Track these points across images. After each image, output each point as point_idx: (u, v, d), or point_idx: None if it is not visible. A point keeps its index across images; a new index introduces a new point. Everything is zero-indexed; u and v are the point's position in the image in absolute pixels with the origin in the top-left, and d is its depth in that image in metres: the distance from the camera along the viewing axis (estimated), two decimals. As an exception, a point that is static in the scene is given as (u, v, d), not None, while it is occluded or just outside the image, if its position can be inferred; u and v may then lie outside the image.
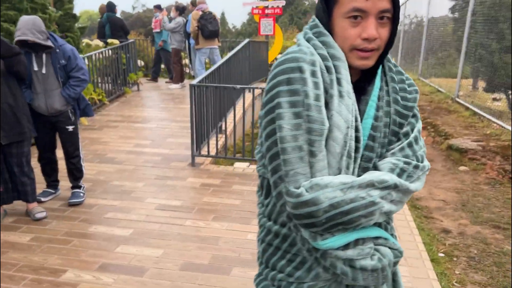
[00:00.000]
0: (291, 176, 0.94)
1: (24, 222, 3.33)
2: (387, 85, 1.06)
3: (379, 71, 1.06)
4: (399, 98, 1.05)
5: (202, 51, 7.85)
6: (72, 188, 3.74)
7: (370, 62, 1.00)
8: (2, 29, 5.44)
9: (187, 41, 8.75)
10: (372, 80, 1.05)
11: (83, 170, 3.76)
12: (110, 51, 7.32)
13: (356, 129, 1.00)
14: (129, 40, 8.47)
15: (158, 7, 9.31)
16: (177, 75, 8.94)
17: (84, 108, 3.70)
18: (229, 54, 6.51)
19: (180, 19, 8.68)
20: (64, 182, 3.85)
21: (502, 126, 5.51)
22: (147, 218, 3.42)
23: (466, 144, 5.16)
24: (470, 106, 6.74)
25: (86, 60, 6.55)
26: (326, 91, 0.96)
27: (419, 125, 1.09)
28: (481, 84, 8.54)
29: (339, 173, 0.98)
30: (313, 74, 0.95)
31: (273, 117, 0.96)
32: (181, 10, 8.84)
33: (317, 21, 1.03)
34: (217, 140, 4.96)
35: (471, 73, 7.80)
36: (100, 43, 7.60)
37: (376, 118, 1.03)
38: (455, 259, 2.96)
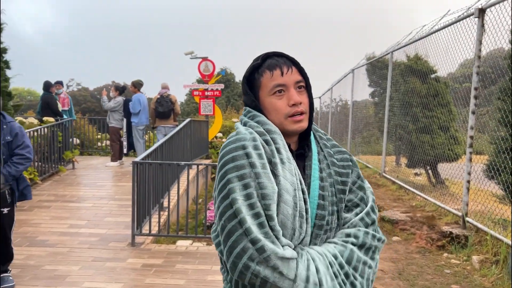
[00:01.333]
0: (256, 242, 0.99)
1: None
2: (322, 150, 1.24)
3: (312, 137, 1.25)
4: (335, 160, 1.22)
5: (158, 129, 8.49)
6: (0, 273, 3.40)
7: (304, 124, 1.17)
8: None
9: (125, 120, 8.79)
10: (309, 145, 1.22)
11: (13, 252, 3.48)
12: (45, 129, 7.13)
13: (303, 192, 1.12)
14: (66, 118, 8.34)
15: (60, 83, 9.27)
16: (115, 153, 8.82)
17: (23, 190, 3.47)
18: (171, 132, 6.66)
19: (119, 99, 8.81)
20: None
21: (426, 199, 6.05)
22: (84, 304, 3.17)
23: (396, 215, 5.55)
24: (396, 181, 7.35)
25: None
26: (269, 161, 1.09)
27: (372, 197, 1.25)
28: (404, 160, 9.41)
29: (293, 233, 1.07)
30: (255, 147, 1.08)
31: (226, 194, 1.04)
32: (121, 90, 9.01)
33: (248, 108, 1.21)
34: (159, 218, 4.87)
35: (394, 150, 8.61)
36: (35, 121, 7.39)
37: (321, 179, 1.17)
38: (397, 327, 3.06)
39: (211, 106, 9.76)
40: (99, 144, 10.86)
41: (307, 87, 1.21)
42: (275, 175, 1.08)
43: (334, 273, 1.08)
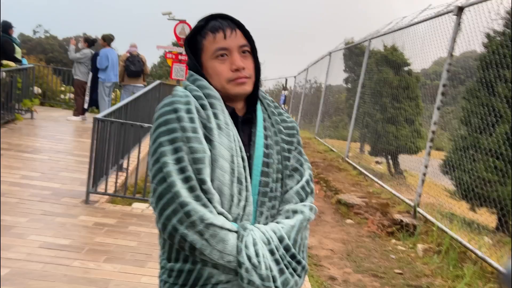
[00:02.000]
0: (184, 205, 0.98)
1: None
2: (270, 118, 1.22)
3: (258, 104, 1.23)
4: (281, 128, 1.22)
5: (126, 88, 8.29)
6: None
7: (247, 87, 1.14)
8: None
9: (91, 74, 8.44)
10: (255, 110, 1.20)
11: None
12: (4, 73, 6.73)
13: (243, 159, 1.11)
14: (27, 64, 7.90)
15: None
16: (79, 108, 8.50)
17: None
18: (139, 93, 6.46)
19: (87, 51, 8.43)
20: None
21: (383, 186, 6.23)
22: (28, 257, 3.08)
23: (352, 199, 5.70)
24: (357, 167, 7.52)
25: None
26: (204, 126, 1.07)
27: (308, 164, 1.26)
28: (367, 148, 9.63)
29: (232, 199, 1.07)
30: (188, 111, 1.06)
31: (157, 157, 1.03)
32: (91, 43, 8.61)
33: (192, 72, 1.18)
34: (116, 178, 4.76)
35: (359, 137, 8.78)
36: (-7, 63, 6.95)
37: (266, 146, 1.16)
38: (339, 304, 3.18)
39: (183, 71, 9.53)
40: (62, 96, 10.42)
41: (253, 52, 1.18)
42: (209, 140, 1.06)
43: (279, 256, 1.07)
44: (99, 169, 4.58)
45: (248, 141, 1.17)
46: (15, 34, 8.14)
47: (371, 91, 8.06)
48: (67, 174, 5.23)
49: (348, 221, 5.27)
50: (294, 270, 1.10)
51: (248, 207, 1.10)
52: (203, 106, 1.09)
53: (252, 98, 1.20)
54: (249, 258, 1.02)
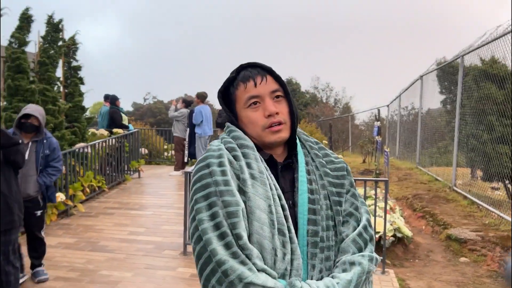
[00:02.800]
0: (221, 264, 0.94)
1: (3, 314, 3.19)
2: (313, 161, 1.16)
3: (299, 147, 1.17)
4: (328, 170, 1.15)
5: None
6: (35, 267, 3.87)
7: (283, 134, 1.12)
8: (11, 119, 5.75)
9: (188, 130, 9.11)
10: (295, 155, 1.15)
11: (45, 249, 3.97)
12: (114, 140, 7.61)
13: (283, 208, 1.04)
14: (133, 129, 8.84)
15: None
16: (179, 163, 9.15)
17: (50, 195, 3.90)
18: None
19: (184, 110, 9.17)
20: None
21: (501, 216, 5.44)
22: (130, 311, 3.27)
23: (465, 234, 5.05)
24: (468, 196, 6.72)
25: (89, 148, 6.79)
26: (238, 178, 1.04)
27: (366, 207, 1.15)
28: (479, 173, 8.61)
29: (275, 253, 0.99)
30: (220, 164, 1.04)
31: (194, 215, 1.02)
32: (188, 103, 9.38)
33: (229, 124, 1.18)
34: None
35: (467, 162, 7.91)
36: (105, 133, 7.93)
37: (311, 191, 1.09)
38: None
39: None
40: (165, 153, 11.36)
41: (286, 96, 1.16)
42: (244, 192, 1.02)
43: None
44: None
45: (291, 188, 1.12)
46: (125, 104, 9.29)
47: (472, 111, 7.30)
48: (168, 227, 5.55)
49: (462, 259, 4.65)
50: None
51: (296, 261, 1.02)
52: (236, 157, 1.07)
53: (292, 142, 1.17)
54: None
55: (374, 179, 5.04)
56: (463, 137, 7.49)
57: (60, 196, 5.55)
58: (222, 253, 0.95)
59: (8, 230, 3.17)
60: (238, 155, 1.07)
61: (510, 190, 7.12)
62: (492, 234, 4.94)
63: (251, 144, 1.11)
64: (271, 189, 1.05)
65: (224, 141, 1.13)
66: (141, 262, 4.36)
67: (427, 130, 10.64)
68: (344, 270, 1.05)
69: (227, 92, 1.18)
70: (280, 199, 1.05)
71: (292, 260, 1.02)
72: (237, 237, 0.96)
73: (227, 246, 0.96)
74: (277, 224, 1.01)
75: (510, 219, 5.21)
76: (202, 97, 8.88)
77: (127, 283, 3.83)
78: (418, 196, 7.29)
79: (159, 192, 7.45)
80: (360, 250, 1.08)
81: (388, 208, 5.40)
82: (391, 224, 4.88)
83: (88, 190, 6.46)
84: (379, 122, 12.67)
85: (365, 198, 4.54)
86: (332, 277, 1.04)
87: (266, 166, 1.10)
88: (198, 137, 8.69)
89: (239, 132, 1.13)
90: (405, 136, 13.83)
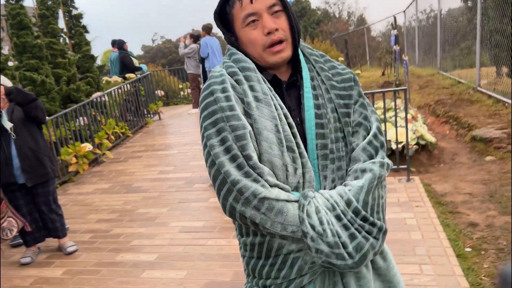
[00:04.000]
0: (236, 183, 0.98)
1: (57, 257, 3.49)
2: (319, 74, 1.14)
3: (303, 63, 1.14)
4: (334, 83, 1.13)
5: None
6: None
7: (285, 54, 1.09)
8: (26, 77, 5.81)
9: (201, 66, 8.99)
10: (301, 73, 1.13)
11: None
12: (128, 85, 7.63)
13: (290, 125, 1.06)
14: (146, 72, 8.80)
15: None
16: (196, 100, 9.15)
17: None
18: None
19: (194, 46, 8.95)
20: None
21: (528, 111, 5.31)
22: (171, 242, 3.50)
23: (490, 133, 4.99)
24: (493, 94, 6.53)
25: (106, 97, 6.85)
26: (242, 102, 1.05)
27: (376, 115, 1.15)
28: (505, 70, 8.26)
29: (286, 169, 1.03)
30: (223, 90, 1.04)
31: (205, 142, 1.04)
32: (196, 38, 9.12)
33: (229, 46, 1.14)
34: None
35: (491, 60, 7.57)
36: (119, 79, 7.93)
37: (317, 106, 1.10)
38: (483, 252, 2.86)
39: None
40: (182, 93, 11.36)
41: (285, 9, 1.09)
42: (249, 114, 1.03)
43: (347, 221, 1.02)
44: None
45: (297, 106, 1.12)
46: (135, 48, 9.14)
47: (494, 3, 6.82)
48: (195, 163, 5.72)
49: (488, 158, 4.65)
50: (369, 233, 1.02)
51: (308, 174, 1.06)
52: (238, 82, 1.06)
53: (295, 59, 1.13)
54: (312, 227, 0.99)
55: (392, 89, 4.93)
56: (486, 34, 7.11)
57: (88, 146, 5.74)
58: (235, 174, 0.98)
59: (45, 182, 3.35)
60: (241, 78, 1.06)
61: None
62: (518, 129, 4.87)
63: (252, 65, 1.08)
64: (276, 109, 1.05)
65: (225, 65, 1.11)
66: (174, 198, 4.58)
67: (447, 32, 10.11)
68: (356, 178, 1.07)
69: (223, 12, 1.13)
70: (286, 118, 1.06)
71: (304, 174, 1.05)
72: (247, 158, 0.99)
73: (239, 167, 0.99)
74: (286, 142, 1.03)
75: (537, 113, 5.08)
76: (207, 29, 8.57)
77: (164, 217, 4.06)
78: (441, 101, 7.14)
79: (181, 131, 7.58)
80: (371, 157, 1.09)
81: (409, 117, 5.34)
82: (414, 132, 4.85)
83: (112, 137, 6.64)
84: (396, 30, 12.07)
85: (386, 110, 4.48)
86: (345, 185, 1.07)
87: (269, 86, 1.09)
88: (208, 72, 8.57)
89: (239, 55, 1.10)
90: (424, 42, 13.21)
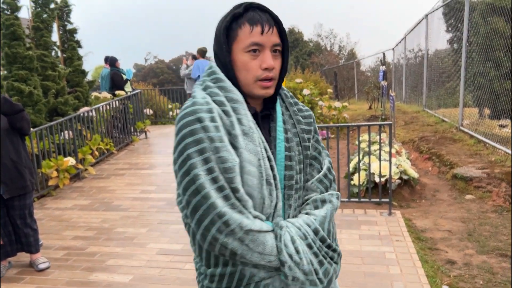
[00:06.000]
0: (222, 216, 0.98)
1: (28, 273, 3.37)
2: (287, 110, 1.22)
3: (278, 99, 1.21)
4: (300, 118, 1.22)
5: None
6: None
7: (271, 91, 1.13)
8: (13, 88, 5.76)
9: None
10: (274, 107, 1.19)
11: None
12: (117, 102, 7.61)
13: (269, 159, 1.09)
14: (136, 90, 8.80)
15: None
16: None
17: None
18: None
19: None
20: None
21: (508, 153, 5.45)
22: (148, 263, 3.43)
23: (471, 172, 5.09)
24: (474, 135, 6.70)
25: (93, 112, 6.81)
26: (229, 133, 1.05)
27: (326, 151, 1.27)
28: (487, 111, 8.51)
29: (263, 202, 1.06)
30: (212, 120, 1.03)
31: (187, 169, 1.01)
32: (195, 59, 9.24)
33: (214, 68, 1.13)
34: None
35: (474, 101, 7.81)
36: (108, 95, 7.92)
37: (287, 140, 1.16)
38: (460, 291, 2.87)
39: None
40: (170, 113, 11.37)
41: (283, 52, 1.15)
42: (235, 147, 1.04)
43: (316, 248, 1.09)
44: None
45: (268, 136, 1.17)
46: (127, 66, 9.12)
47: (478, 47, 7.10)
48: (178, 184, 5.67)
49: (468, 196, 4.72)
50: (331, 258, 1.12)
51: (279, 204, 1.11)
52: (226, 113, 1.06)
53: (272, 96, 1.18)
54: (290, 256, 1.03)
55: (378, 123, 5.03)
56: (469, 76, 7.36)
57: (70, 160, 5.66)
58: (221, 205, 0.98)
59: (22, 195, 3.27)
60: (228, 110, 1.06)
61: (518, 126, 7.06)
62: (498, 170, 4.98)
63: (241, 97, 1.09)
64: (259, 143, 1.08)
65: (210, 91, 1.09)
66: (154, 218, 4.51)
67: (433, 72, 10.44)
68: (316, 207, 1.15)
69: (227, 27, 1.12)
70: (266, 151, 1.09)
71: (276, 204, 1.10)
72: (235, 190, 1.01)
73: (226, 198, 0.99)
74: (265, 176, 1.06)
75: (516, 155, 5.21)
76: (202, 52, 8.72)
77: (143, 237, 3.98)
78: (425, 138, 7.29)
79: (166, 151, 7.55)
80: (326, 189, 1.19)
81: (394, 152, 5.43)
82: (397, 167, 4.92)
83: (97, 153, 6.56)
84: (384, 66, 12.42)
85: (371, 143, 4.55)
86: (307, 214, 1.14)
87: (253, 119, 1.11)
88: None
89: (226, 83, 1.09)
90: (411, 79, 13.60)
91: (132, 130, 8.22)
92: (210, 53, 8.86)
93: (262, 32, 1.07)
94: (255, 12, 1.09)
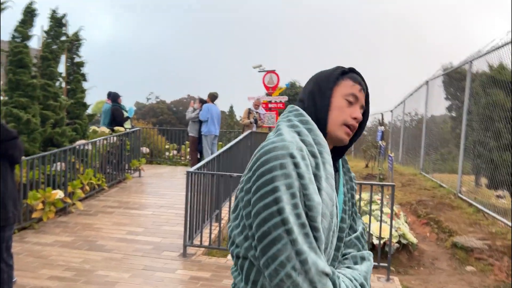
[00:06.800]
0: (301, 254, 0.98)
1: (-6, 314, 3.08)
2: (343, 166, 1.32)
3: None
4: (352, 176, 1.33)
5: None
6: None
7: (348, 139, 1.22)
8: (12, 114, 5.67)
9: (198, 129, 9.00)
10: (339, 159, 1.28)
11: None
12: (115, 137, 7.51)
13: (336, 207, 1.15)
14: (136, 128, 8.75)
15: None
16: (194, 162, 9.02)
17: None
18: (230, 143, 6.64)
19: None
20: (46, 270, 3.64)
21: (508, 225, 5.32)
22: (126, 314, 3.16)
23: (471, 242, 4.93)
24: (474, 203, 6.60)
25: (89, 146, 6.69)
26: (314, 174, 1.08)
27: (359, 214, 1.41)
28: (484, 181, 8.48)
29: (327, 248, 1.10)
30: (303, 158, 1.05)
31: (271, 201, 1.01)
32: (203, 103, 9.30)
33: (300, 110, 1.19)
34: (210, 230, 4.81)
35: (472, 169, 7.79)
36: (106, 130, 7.83)
37: (344, 194, 1.24)
38: None
39: (274, 118, 9.68)
40: (167, 153, 11.25)
41: (364, 115, 1.27)
42: (318, 189, 1.07)
43: None
44: (194, 221, 4.68)
45: None
46: (129, 103, 9.12)
47: (479, 117, 7.19)
48: (168, 228, 5.45)
49: (469, 268, 4.53)
50: None
51: (331, 252, 1.16)
52: (313, 154, 1.09)
53: (342, 148, 1.28)
54: None
55: (380, 183, 4.92)
56: (469, 144, 7.38)
57: (59, 193, 5.46)
58: (301, 242, 0.99)
59: (2, 227, 3.07)
60: (315, 152, 1.10)
61: (517, 198, 6.98)
62: (499, 243, 4.82)
63: (326, 143, 1.14)
64: (333, 190, 1.13)
65: (298, 131, 1.13)
66: (139, 263, 4.26)
67: (431, 136, 10.53)
68: (355, 263, 1.22)
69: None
70: (336, 199, 1.16)
71: (330, 251, 1.15)
72: (315, 229, 1.02)
73: (306, 236, 1.00)
74: (334, 222, 1.12)
75: (517, 228, 5.08)
76: (212, 97, 8.82)
77: (124, 284, 3.72)
78: (422, 202, 7.17)
79: (159, 192, 7.35)
80: (363, 247, 1.27)
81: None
82: (396, 230, 4.76)
83: (87, 187, 6.36)
84: (383, 127, 12.56)
85: (371, 202, 4.43)
86: (349, 267, 1.20)
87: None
88: (204, 136, 8.61)
89: (314, 126, 1.15)
90: (408, 142, 13.71)
91: (127, 167, 8.05)
92: (219, 99, 8.93)
93: (360, 90, 1.22)
94: (355, 74, 1.24)
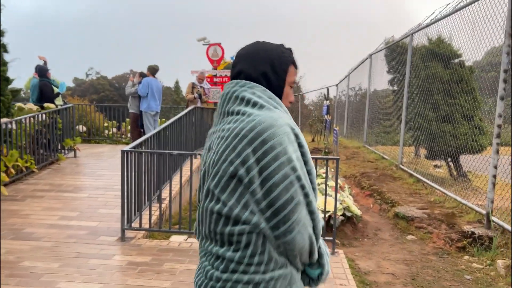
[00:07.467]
0: (313, 213, 1.19)
1: None
2: None
3: None
4: None
5: None
6: None
7: None
8: None
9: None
10: None
11: None
12: (44, 115, 6.87)
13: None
14: (68, 104, 8.08)
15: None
16: (135, 140, 8.49)
17: None
18: (172, 119, 6.29)
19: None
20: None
21: (445, 193, 5.53)
22: (53, 309, 2.85)
23: (412, 211, 5.06)
24: (414, 173, 6.83)
25: (14, 124, 6.05)
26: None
27: None
28: (423, 151, 8.83)
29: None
30: (297, 136, 1.20)
31: (288, 171, 1.12)
32: (144, 76, 8.69)
33: (274, 96, 1.23)
34: (150, 212, 4.52)
35: (412, 141, 8.05)
36: (34, 107, 7.14)
37: None
38: None
39: (219, 93, 9.36)
40: (106, 131, 10.62)
41: None
42: (305, 162, 1.20)
43: None
44: (132, 203, 4.37)
45: None
46: (66, 79, 8.26)
47: (419, 89, 7.37)
48: (105, 211, 5.09)
49: (409, 237, 4.65)
50: None
51: None
52: (297, 133, 1.21)
53: None
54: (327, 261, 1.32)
55: (325, 157, 4.87)
56: (410, 116, 7.58)
57: (-23, 178, 4.88)
58: (314, 205, 1.19)
59: None
60: (298, 133, 1.21)
61: (452, 167, 7.33)
62: (437, 211, 4.99)
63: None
64: None
65: (285, 110, 1.25)
66: (71, 251, 3.90)
67: (374, 110, 10.77)
68: None
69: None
70: None
71: None
72: (314, 190, 1.23)
73: (314, 199, 1.20)
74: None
75: (453, 196, 5.29)
76: (152, 70, 8.20)
77: (53, 275, 3.38)
78: (366, 174, 7.32)
79: (96, 173, 6.88)
80: None
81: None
82: (341, 203, 4.76)
83: (12, 170, 5.77)
84: (328, 101, 12.69)
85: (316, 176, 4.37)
86: None
87: None
88: (144, 113, 8.07)
89: (286, 109, 1.27)
90: (352, 116, 14.02)
91: (59, 147, 7.44)
92: (160, 72, 8.40)
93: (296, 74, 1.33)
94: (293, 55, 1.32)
